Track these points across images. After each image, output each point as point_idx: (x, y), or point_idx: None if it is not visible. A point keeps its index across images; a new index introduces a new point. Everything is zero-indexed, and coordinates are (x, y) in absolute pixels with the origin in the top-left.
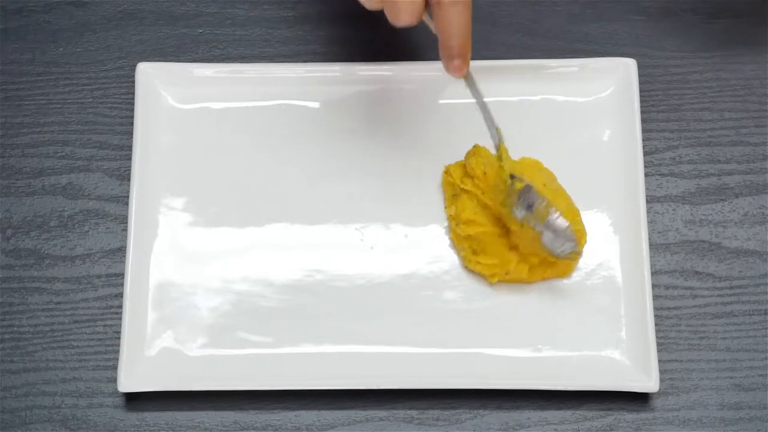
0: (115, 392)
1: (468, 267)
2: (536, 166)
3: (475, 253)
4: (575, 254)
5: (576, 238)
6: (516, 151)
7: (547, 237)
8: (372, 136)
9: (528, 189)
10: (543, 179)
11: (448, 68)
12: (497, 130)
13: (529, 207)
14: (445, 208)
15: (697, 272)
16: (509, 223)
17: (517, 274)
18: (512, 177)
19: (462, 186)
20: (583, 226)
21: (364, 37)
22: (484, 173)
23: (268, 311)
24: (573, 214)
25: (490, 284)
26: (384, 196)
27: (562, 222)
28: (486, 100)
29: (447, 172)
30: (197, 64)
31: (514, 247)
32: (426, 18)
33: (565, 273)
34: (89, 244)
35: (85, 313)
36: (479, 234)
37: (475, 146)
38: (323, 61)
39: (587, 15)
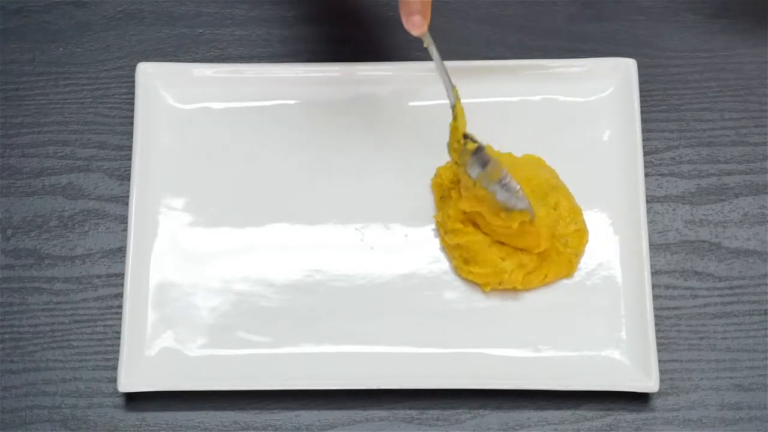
0: (115, 392)
1: (461, 275)
2: (539, 163)
3: (466, 262)
4: (526, 212)
5: (527, 199)
6: (517, 151)
7: (501, 195)
8: (372, 136)
9: (480, 149)
10: (546, 175)
11: (407, 24)
12: (454, 89)
13: (483, 166)
14: (435, 214)
15: (697, 272)
16: (463, 182)
17: (511, 283)
18: (465, 137)
19: (450, 185)
20: (585, 224)
21: (364, 37)
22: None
23: (268, 311)
24: (575, 213)
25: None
26: (384, 196)
27: (513, 184)
28: (488, 100)
29: (437, 174)
30: (197, 64)
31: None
32: None
33: (568, 274)
34: (89, 244)
35: (85, 313)
36: (468, 242)
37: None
38: (323, 61)
39: (587, 15)
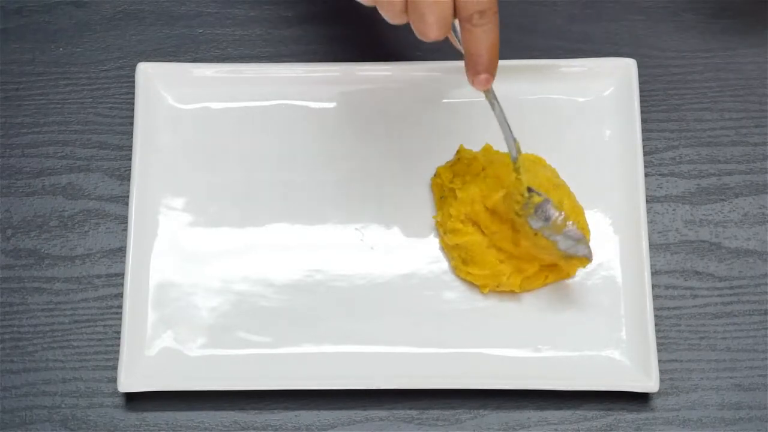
0: (115, 392)
1: (459, 276)
2: (539, 162)
3: (464, 263)
4: (586, 259)
5: (589, 246)
6: None
7: (563, 244)
8: (372, 136)
9: (546, 203)
10: (547, 174)
11: (473, 82)
12: (515, 142)
13: (546, 220)
14: (434, 214)
15: (697, 272)
16: (522, 231)
17: (509, 287)
18: (530, 190)
19: (450, 185)
20: (587, 224)
21: (364, 37)
22: (483, 169)
23: (268, 311)
24: (577, 212)
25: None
26: (384, 196)
27: (577, 232)
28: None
29: (437, 174)
30: (197, 64)
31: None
32: (451, 35)
33: (569, 274)
34: (89, 244)
35: (85, 313)
36: (466, 243)
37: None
38: (323, 61)
39: (587, 15)
